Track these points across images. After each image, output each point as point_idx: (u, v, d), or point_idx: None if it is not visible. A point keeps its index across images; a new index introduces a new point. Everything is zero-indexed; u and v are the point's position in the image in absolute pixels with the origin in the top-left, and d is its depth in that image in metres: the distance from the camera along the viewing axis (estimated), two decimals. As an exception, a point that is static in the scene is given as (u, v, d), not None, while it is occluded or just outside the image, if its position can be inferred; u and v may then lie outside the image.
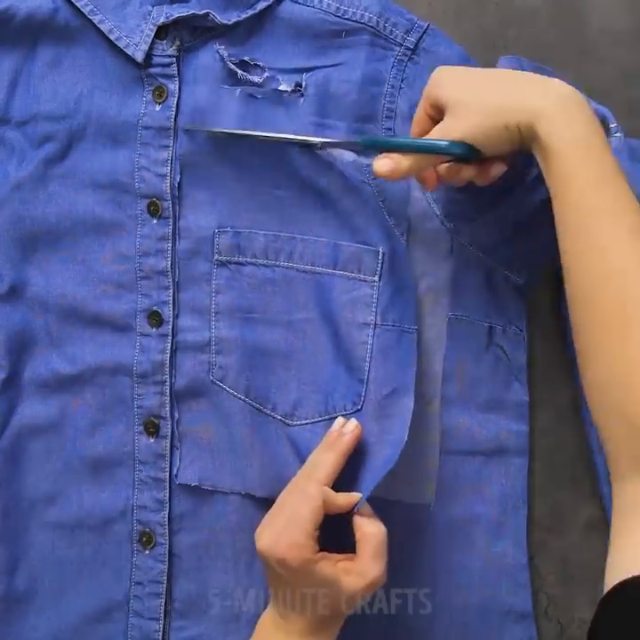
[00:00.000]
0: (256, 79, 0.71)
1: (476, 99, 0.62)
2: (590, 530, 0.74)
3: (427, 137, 0.64)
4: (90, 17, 0.70)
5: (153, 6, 0.70)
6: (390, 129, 0.72)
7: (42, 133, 0.71)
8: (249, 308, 0.72)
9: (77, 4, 0.70)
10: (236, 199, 0.72)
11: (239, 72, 0.70)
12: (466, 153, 0.62)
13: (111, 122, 0.71)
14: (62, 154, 0.71)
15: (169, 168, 0.71)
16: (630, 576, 0.48)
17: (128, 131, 0.71)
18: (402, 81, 0.72)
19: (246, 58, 0.71)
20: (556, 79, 0.61)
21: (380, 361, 0.70)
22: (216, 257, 0.72)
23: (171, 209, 0.71)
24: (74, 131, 0.71)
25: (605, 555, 0.73)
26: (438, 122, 0.64)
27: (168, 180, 0.71)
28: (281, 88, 0.71)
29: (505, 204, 0.72)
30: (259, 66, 0.71)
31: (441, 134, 0.63)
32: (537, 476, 0.74)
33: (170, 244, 0.71)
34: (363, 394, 0.70)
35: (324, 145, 0.69)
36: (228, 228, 0.72)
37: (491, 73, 0.65)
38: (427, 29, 0.72)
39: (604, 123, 0.71)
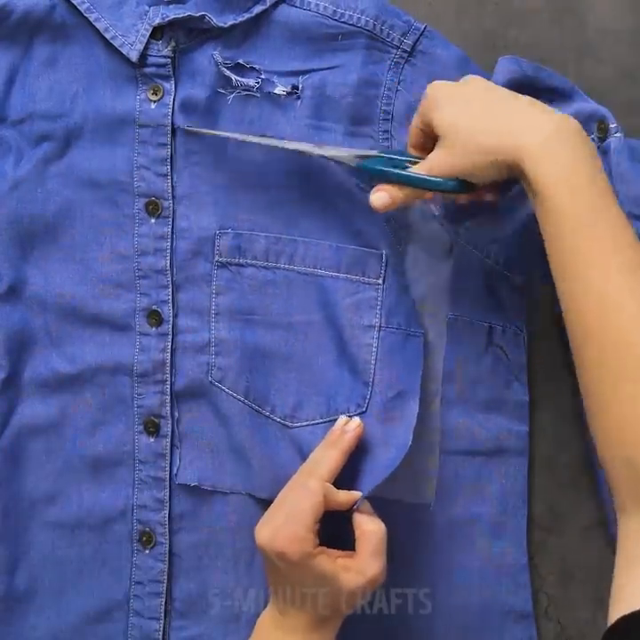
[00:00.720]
0: (251, 83, 0.71)
1: (469, 132, 0.61)
2: (590, 530, 0.74)
3: (419, 170, 0.64)
4: (86, 15, 0.70)
5: (149, 6, 0.70)
6: (387, 131, 0.72)
7: (39, 132, 0.71)
8: (249, 309, 0.72)
9: (74, 2, 0.70)
10: (238, 200, 0.72)
11: (234, 78, 0.71)
12: (458, 189, 0.63)
13: (107, 120, 0.71)
14: (60, 152, 0.71)
15: (169, 167, 0.71)
16: (631, 611, 0.48)
17: (125, 129, 0.71)
18: (398, 83, 0.72)
19: (241, 60, 0.71)
20: (554, 111, 0.61)
21: (386, 363, 0.71)
22: (216, 258, 0.72)
23: (171, 208, 0.71)
24: (71, 129, 0.71)
25: (605, 555, 0.73)
26: (430, 136, 0.65)
27: (169, 180, 0.71)
28: (276, 91, 0.71)
29: (503, 203, 0.72)
30: (254, 69, 0.71)
31: (433, 166, 0.63)
32: (537, 476, 0.74)
33: (169, 243, 0.71)
34: (368, 396, 0.71)
35: (321, 157, 0.69)
36: (229, 230, 0.72)
37: (486, 101, 0.63)
38: (424, 31, 0.71)
39: (603, 123, 0.71)
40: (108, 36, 0.70)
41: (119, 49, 0.70)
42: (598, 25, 0.76)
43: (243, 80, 0.71)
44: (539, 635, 0.73)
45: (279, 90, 0.71)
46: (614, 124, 0.71)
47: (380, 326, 0.71)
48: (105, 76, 0.71)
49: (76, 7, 0.70)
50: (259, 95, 0.71)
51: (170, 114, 0.71)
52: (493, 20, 0.76)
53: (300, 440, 0.71)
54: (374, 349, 0.71)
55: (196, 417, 0.72)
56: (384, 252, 0.71)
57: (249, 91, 0.71)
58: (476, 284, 0.73)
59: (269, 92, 0.71)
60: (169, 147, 0.71)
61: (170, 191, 0.71)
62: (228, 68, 0.71)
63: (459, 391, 0.73)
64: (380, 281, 0.71)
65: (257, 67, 0.71)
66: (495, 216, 0.72)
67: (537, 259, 0.73)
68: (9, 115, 0.71)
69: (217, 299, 0.72)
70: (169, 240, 0.71)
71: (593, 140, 0.71)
